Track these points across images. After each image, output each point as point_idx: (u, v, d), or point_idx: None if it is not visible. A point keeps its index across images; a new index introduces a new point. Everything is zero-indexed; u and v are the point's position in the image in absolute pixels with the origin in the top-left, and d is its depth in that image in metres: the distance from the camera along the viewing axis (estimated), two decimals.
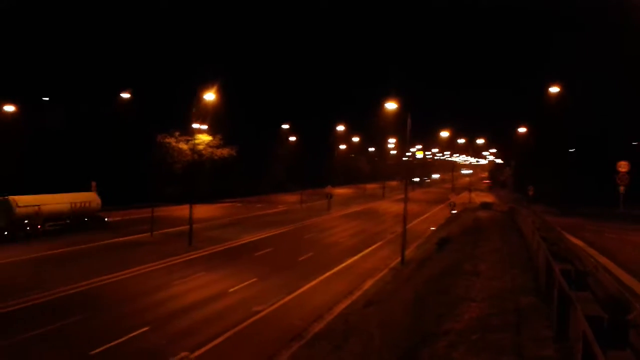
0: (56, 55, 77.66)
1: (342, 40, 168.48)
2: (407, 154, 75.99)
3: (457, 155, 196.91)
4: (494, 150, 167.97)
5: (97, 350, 20.80)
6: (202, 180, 65.49)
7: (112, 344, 21.51)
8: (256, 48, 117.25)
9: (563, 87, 55.34)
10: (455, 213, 65.99)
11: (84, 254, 40.33)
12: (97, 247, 43.03)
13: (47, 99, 79.54)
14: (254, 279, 33.51)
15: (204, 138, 55.39)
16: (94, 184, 55.35)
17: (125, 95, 62.80)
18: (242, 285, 32.07)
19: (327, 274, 36.37)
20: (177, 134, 53.00)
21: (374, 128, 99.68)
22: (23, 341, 21.50)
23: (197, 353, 21.00)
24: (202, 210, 63.94)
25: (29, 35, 76.42)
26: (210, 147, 55.97)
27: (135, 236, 48.42)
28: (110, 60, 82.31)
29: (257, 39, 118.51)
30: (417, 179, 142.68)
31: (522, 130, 79.01)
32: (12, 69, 69.81)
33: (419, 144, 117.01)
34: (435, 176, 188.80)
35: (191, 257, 40.53)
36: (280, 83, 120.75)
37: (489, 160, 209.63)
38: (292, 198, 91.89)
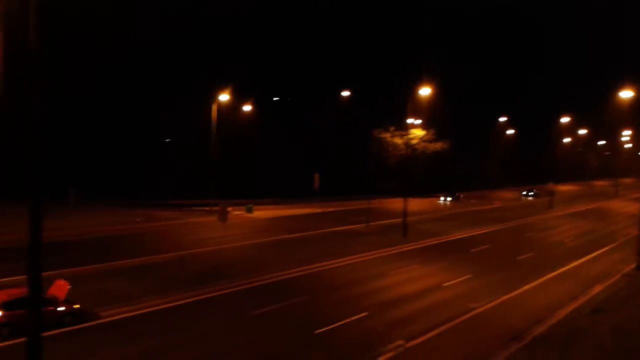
0: (282, 57, 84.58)
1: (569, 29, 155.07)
2: None
3: None
4: None
5: (320, 330, 22.27)
6: (415, 174, 66.03)
7: (334, 325, 22.86)
8: (469, 41, 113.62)
9: None
10: None
11: (306, 240, 43.38)
12: (318, 235, 45.96)
13: (276, 98, 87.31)
14: (469, 275, 32.87)
15: (417, 132, 55.64)
16: (316, 176, 59.11)
17: (346, 93, 66.00)
18: (457, 280, 31.68)
19: (549, 275, 34.17)
20: (392, 129, 54.07)
21: (604, 120, 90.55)
22: (252, 317, 23.89)
23: (411, 343, 21.33)
24: (415, 204, 64.41)
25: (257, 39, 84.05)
26: (424, 141, 56.05)
27: (353, 226, 50.65)
28: (331, 60, 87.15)
29: (471, 33, 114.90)
30: None
31: None
32: (247, 72, 77.57)
33: None
34: None
35: (405, 249, 41.17)
36: (496, 74, 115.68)
37: None
38: (508, 194, 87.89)
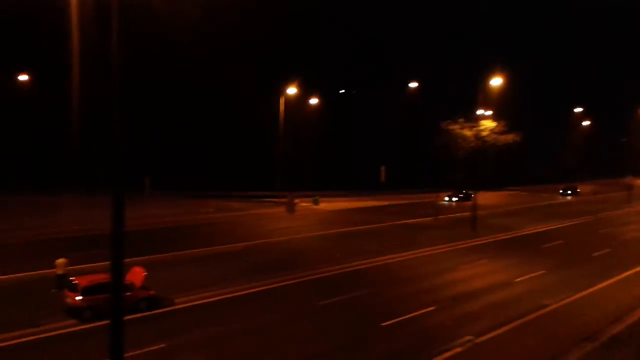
0: (349, 48, 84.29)
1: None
2: None
3: None
4: None
5: (387, 323, 22.25)
6: (484, 167, 64.58)
7: (400, 318, 22.79)
8: (543, 32, 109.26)
9: None
10: None
11: (372, 233, 43.32)
12: (385, 228, 45.80)
13: (342, 91, 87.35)
14: (542, 271, 31.90)
15: (488, 124, 54.29)
16: (383, 168, 58.88)
17: (413, 85, 65.24)
18: (529, 276, 30.82)
19: (627, 273, 32.63)
20: (461, 120, 53.01)
21: None
22: (319, 307, 24.14)
23: (480, 339, 20.96)
24: (485, 198, 62.95)
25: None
26: (494, 133, 54.63)
27: (420, 219, 50.17)
28: (397, 50, 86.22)
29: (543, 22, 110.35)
30: None
31: None
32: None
33: None
34: None
35: (475, 243, 40.40)
36: (571, 63, 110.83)
37: None
38: (584, 188, 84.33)
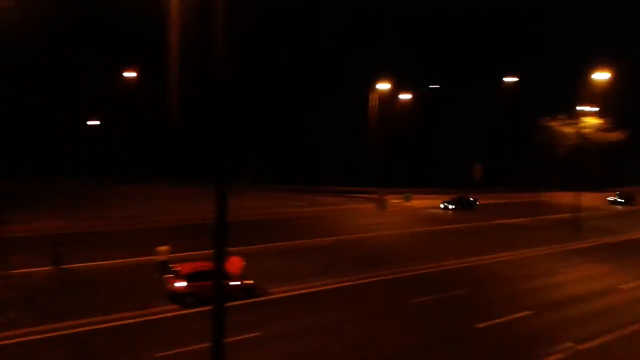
0: (442, 42, 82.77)
1: None
2: None
3: None
4: None
5: (483, 325, 21.65)
6: (587, 166, 61.31)
7: (496, 321, 22.11)
8: None
9: None
10: None
11: (466, 232, 42.33)
12: (479, 227, 44.64)
13: (434, 86, 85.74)
14: None
15: (591, 121, 51.45)
16: (478, 166, 57.36)
17: (510, 79, 62.98)
18: (636, 283, 28.96)
19: None
20: (562, 117, 50.58)
21: None
22: (411, 305, 23.83)
23: (583, 346, 19.97)
24: (587, 199, 59.76)
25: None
26: (598, 130, 51.66)
27: (517, 220, 48.49)
28: (493, 45, 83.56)
29: None
30: None
31: None
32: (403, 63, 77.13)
33: None
34: None
35: (576, 246, 38.50)
36: None
37: None
38: None
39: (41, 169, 63.26)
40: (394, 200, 56.77)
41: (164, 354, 17.67)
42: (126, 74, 61.47)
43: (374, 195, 54.91)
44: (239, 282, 23.17)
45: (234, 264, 23.85)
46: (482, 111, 78.97)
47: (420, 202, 58.23)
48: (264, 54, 63.40)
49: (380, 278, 28.09)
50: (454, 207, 54.26)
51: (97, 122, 69.07)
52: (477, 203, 56.25)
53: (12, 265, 26.02)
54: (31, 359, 17.52)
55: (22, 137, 63.54)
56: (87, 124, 68.58)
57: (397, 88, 64.10)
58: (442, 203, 55.07)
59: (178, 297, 22.26)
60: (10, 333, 18.88)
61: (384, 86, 57.00)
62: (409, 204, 57.46)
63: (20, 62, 55.72)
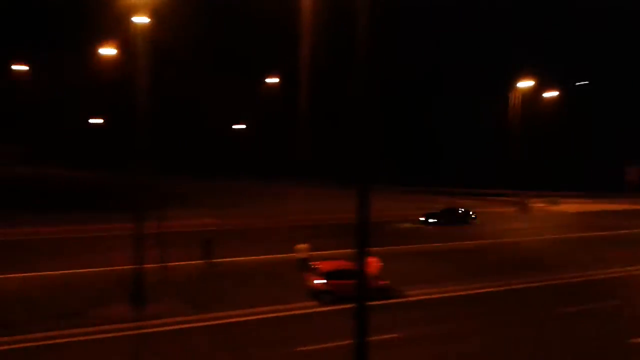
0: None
1: None
2: None
3: None
4: None
5: (637, 340, 19.93)
6: None
7: None
8: None
9: None
10: None
11: (617, 240, 39.17)
12: (633, 235, 41.11)
13: (581, 83, 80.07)
14: None
15: None
16: (634, 169, 52.99)
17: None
18: None
19: None
20: None
21: None
22: (559, 315, 22.48)
23: None
24: None
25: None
26: None
27: None
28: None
29: None
30: None
31: None
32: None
33: None
34: None
35: None
36: None
37: None
38: None
39: (200, 171, 68.15)
40: (537, 205, 54.00)
41: (304, 348, 18.31)
42: (268, 80, 64.60)
43: (512, 199, 52.67)
44: (376, 283, 23.32)
45: (371, 264, 24.03)
46: (636, 108, 72.70)
47: (568, 207, 54.89)
48: (400, 56, 63.39)
49: (522, 285, 26.73)
50: None
51: (243, 126, 73.41)
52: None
53: (167, 258, 28.31)
54: (185, 344, 18.98)
55: (180, 142, 68.86)
56: (233, 128, 73.13)
57: (542, 85, 60.89)
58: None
59: (317, 294, 22.96)
60: (168, 320, 20.64)
61: (527, 84, 54.09)
62: (554, 208, 54.34)
63: (171, 76, 60.54)
